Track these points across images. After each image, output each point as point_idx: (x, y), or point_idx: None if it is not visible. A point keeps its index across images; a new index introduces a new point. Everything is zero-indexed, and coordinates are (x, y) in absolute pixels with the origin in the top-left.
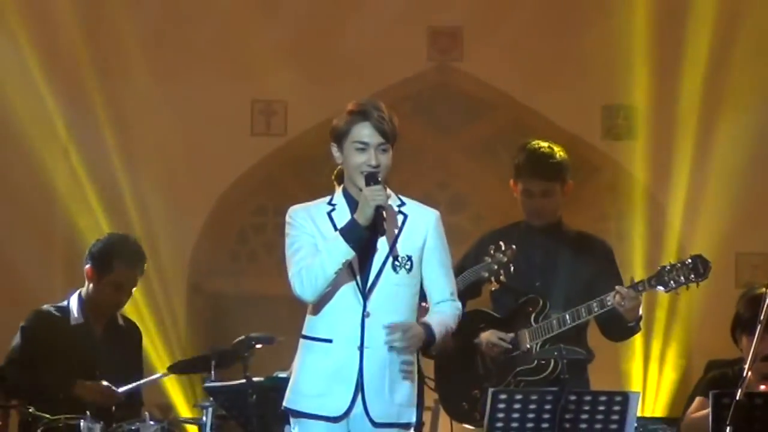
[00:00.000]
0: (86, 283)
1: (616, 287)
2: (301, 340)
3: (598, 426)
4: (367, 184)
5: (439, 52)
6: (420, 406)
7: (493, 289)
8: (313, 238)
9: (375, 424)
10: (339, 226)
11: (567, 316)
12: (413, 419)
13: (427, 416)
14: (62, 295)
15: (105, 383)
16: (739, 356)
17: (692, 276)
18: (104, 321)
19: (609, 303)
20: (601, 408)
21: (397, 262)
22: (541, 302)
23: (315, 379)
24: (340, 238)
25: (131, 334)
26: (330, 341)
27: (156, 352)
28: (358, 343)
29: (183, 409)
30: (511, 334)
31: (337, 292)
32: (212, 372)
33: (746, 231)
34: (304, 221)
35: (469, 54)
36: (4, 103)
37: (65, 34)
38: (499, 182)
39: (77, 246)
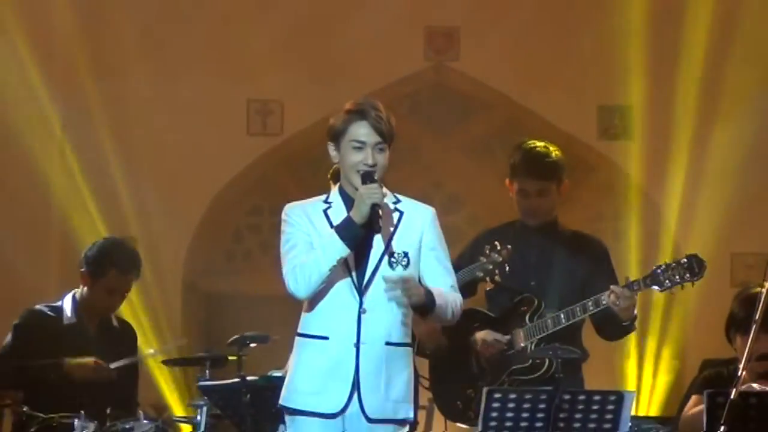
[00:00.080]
0: (81, 285)
1: (611, 286)
2: (297, 338)
3: (592, 425)
4: (364, 182)
5: (436, 51)
6: (415, 405)
7: (488, 288)
8: (308, 236)
9: (370, 420)
10: (335, 224)
11: (562, 316)
12: (410, 415)
13: (421, 415)
14: (57, 295)
15: (94, 359)
16: (733, 356)
17: (687, 275)
18: (97, 322)
19: (604, 302)
20: (596, 407)
21: (393, 259)
22: (536, 301)
23: (311, 377)
24: (336, 236)
25: (126, 335)
26: (326, 338)
27: None
28: (355, 340)
29: (177, 407)
30: (507, 337)
31: (332, 289)
32: (207, 371)
33: (741, 231)
34: (300, 219)
35: (466, 54)
36: (0, 103)
37: (61, 34)
38: (495, 182)
39: (73, 246)
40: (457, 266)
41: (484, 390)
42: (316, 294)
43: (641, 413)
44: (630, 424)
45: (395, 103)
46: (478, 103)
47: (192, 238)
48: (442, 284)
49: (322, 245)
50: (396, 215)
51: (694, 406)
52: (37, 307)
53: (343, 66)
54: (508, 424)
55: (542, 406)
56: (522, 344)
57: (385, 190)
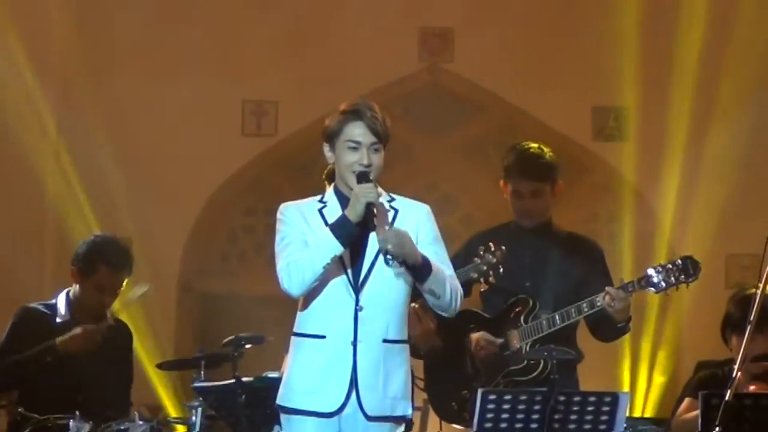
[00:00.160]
0: (72, 282)
1: (606, 288)
2: (293, 338)
3: (587, 426)
4: (359, 182)
5: (430, 53)
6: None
7: (482, 289)
8: (303, 235)
9: (369, 418)
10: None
11: (557, 317)
12: (407, 412)
13: (416, 416)
14: (52, 294)
15: (82, 328)
16: (729, 357)
17: (682, 277)
18: (91, 320)
19: (599, 303)
20: (591, 408)
21: (389, 256)
22: (530, 302)
23: (308, 376)
24: (330, 234)
25: (120, 333)
26: (323, 337)
27: (146, 352)
28: (352, 338)
29: (172, 408)
30: (501, 339)
31: (328, 287)
32: (201, 372)
33: (736, 232)
34: (295, 217)
35: (460, 55)
36: None
37: (56, 34)
38: (490, 183)
39: (68, 246)
40: None
41: (479, 391)
42: (311, 292)
43: (636, 414)
44: (625, 425)
45: (390, 104)
46: (473, 104)
47: (187, 238)
48: None
49: (316, 243)
50: (390, 213)
51: (687, 410)
52: (32, 304)
53: (338, 67)
54: (503, 425)
55: (537, 407)
56: (517, 345)
57: (379, 189)
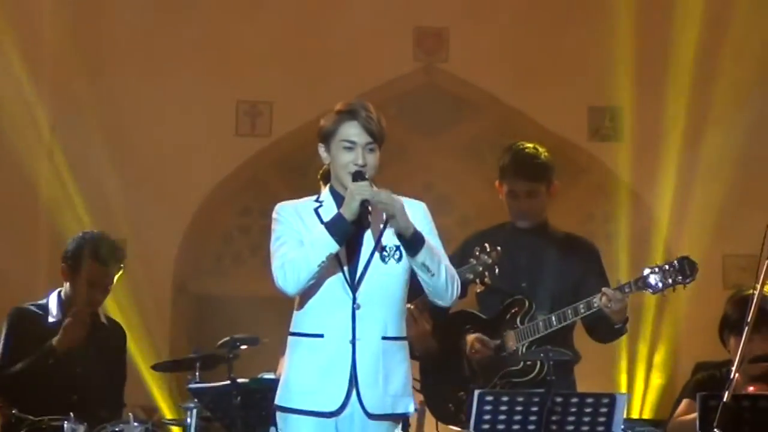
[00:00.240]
0: (63, 281)
1: (603, 289)
2: (290, 338)
3: (584, 428)
4: (354, 180)
5: (425, 52)
6: None
7: (478, 290)
8: (298, 234)
9: (370, 417)
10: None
11: (553, 318)
12: (409, 409)
13: (412, 418)
14: (46, 295)
15: (70, 314)
16: (727, 358)
17: (679, 278)
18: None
19: (595, 305)
20: (588, 410)
21: (385, 253)
22: (527, 304)
23: (307, 376)
24: (325, 232)
25: (114, 333)
26: (321, 336)
27: (141, 353)
28: (350, 337)
29: (167, 410)
30: (497, 342)
31: (324, 286)
32: (197, 373)
33: (733, 232)
34: (291, 217)
35: (455, 55)
36: None
37: (50, 33)
38: (485, 183)
39: (62, 247)
40: None
41: (476, 393)
42: (307, 291)
43: (634, 416)
44: (622, 426)
45: (385, 105)
46: (468, 104)
47: (182, 239)
48: None
49: (311, 241)
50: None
51: (685, 411)
52: (23, 305)
53: (333, 67)
54: (500, 426)
55: (534, 408)
56: (513, 347)
57: (375, 188)
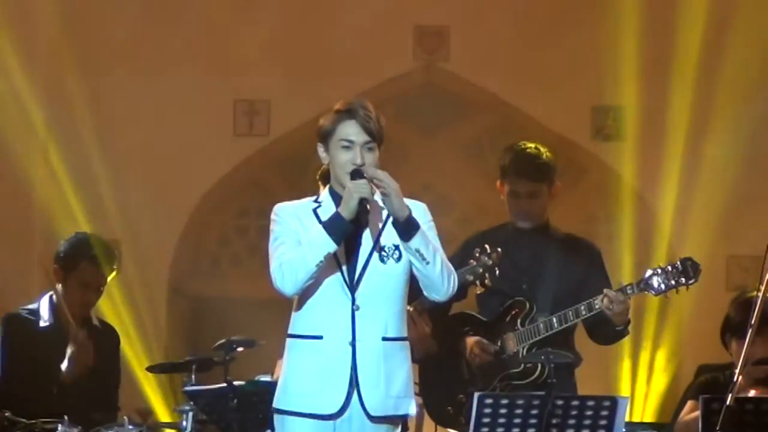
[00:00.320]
0: (56, 283)
1: (605, 290)
2: (288, 340)
3: (585, 431)
4: (352, 179)
5: (426, 51)
6: None
7: (478, 292)
8: (296, 235)
9: (372, 419)
10: None
11: (554, 320)
12: (411, 410)
13: (411, 421)
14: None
15: (69, 347)
16: (729, 361)
17: (682, 279)
18: (77, 323)
19: (597, 306)
20: (589, 413)
21: (384, 253)
22: (527, 305)
23: (306, 378)
24: (323, 231)
25: (107, 336)
26: (320, 338)
27: (136, 355)
28: (350, 338)
29: (162, 412)
30: (497, 346)
31: (323, 286)
32: (192, 375)
33: (737, 233)
34: (289, 218)
35: (456, 54)
36: None
37: (45, 32)
38: (486, 183)
39: (56, 248)
40: None
41: (476, 395)
42: (306, 292)
43: (635, 419)
44: (624, 430)
45: (384, 104)
46: (469, 103)
47: (178, 240)
48: None
49: (309, 241)
50: (385, 211)
51: (690, 412)
52: (15, 311)
53: (332, 66)
54: (500, 430)
55: (534, 411)
56: (514, 349)
57: (373, 188)
